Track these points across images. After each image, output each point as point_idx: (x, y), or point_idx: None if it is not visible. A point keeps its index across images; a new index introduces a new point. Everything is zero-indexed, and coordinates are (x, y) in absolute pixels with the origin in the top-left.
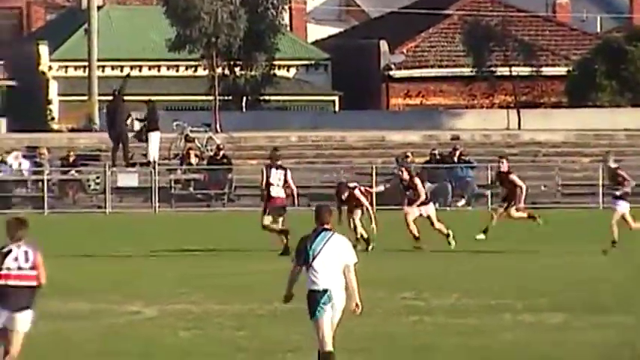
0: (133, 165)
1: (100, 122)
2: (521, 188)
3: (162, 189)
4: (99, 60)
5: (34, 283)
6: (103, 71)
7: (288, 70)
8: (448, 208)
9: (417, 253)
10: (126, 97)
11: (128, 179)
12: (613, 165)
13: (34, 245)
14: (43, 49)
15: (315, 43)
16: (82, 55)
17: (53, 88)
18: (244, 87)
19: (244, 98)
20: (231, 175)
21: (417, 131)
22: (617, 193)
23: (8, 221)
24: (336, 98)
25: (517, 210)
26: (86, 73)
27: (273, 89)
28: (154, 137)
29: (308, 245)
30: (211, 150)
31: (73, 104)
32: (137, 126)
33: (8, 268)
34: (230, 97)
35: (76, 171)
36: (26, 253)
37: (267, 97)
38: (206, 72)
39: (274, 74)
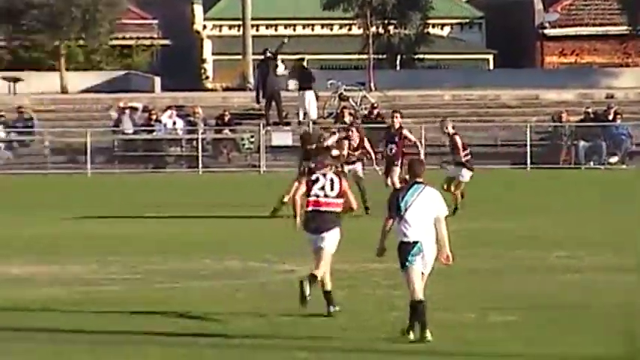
0: (287, 124)
1: (254, 81)
2: None
3: None
4: (253, 19)
5: (339, 210)
6: (257, 30)
7: (442, 29)
8: (602, 167)
9: (570, 213)
10: (281, 56)
11: (282, 138)
12: (451, 131)
13: (340, 174)
14: (198, 9)
15: (470, 1)
16: (236, 14)
17: (207, 48)
18: (398, 45)
19: (398, 57)
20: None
21: (571, 90)
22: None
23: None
24: (491, 56)
25: None
26: (240, 32)
27: (427, 48)
28: (309, 96)
29: (400, 198)
30: (365, 108)
31: (227, 63)
32: (292, 85)
33: (316, 195)
34: (384, 56)
35: (230, 130)
36: (332, 181)
37: (420, 56)
38: (360, 30)
39: (428, 32)
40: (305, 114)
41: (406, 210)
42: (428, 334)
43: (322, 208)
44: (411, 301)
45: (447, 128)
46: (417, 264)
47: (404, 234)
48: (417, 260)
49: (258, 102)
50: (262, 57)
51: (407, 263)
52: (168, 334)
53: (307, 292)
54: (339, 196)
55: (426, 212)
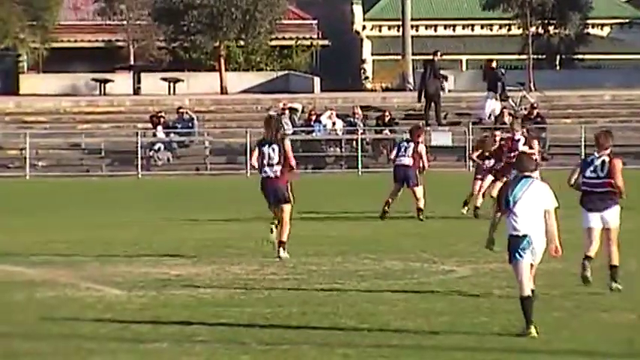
0: (444, 124)
1: (413, 82)
2: None
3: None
4: (412, 19)
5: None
6: (416, 30)
7: (602, 29)
8: None
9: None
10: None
11: (442, 138)
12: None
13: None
14: (357, 9)
15: (630, 0)
16: (395, 14)
17: (367, 48)
18: (558, 46)
19: (558, 57)
20: (545, 134)
21: None
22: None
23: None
24: None
25: None
26: (400, 33)
27: (586, 48)
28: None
29: (509, 191)
30: (525, 109)
31: (386, 63)
32: (447, 86)
33: (589, 177)
34: (543, 56)
35: (390, 130)
36: (603, 163)
37: (580, 56)
38: (520, 31)
39: (588, 33)
40: (490, 115)
41: (515, 203)
42: (532, 331)
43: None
44: (520, 297)
45: None
46: (527, 257)
47: (513, 227)
48: (527, 254)
49: (419, 101)
50: (430, 57)
51: (516, 257)
52: (326, 335)
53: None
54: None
55: (534, 205)
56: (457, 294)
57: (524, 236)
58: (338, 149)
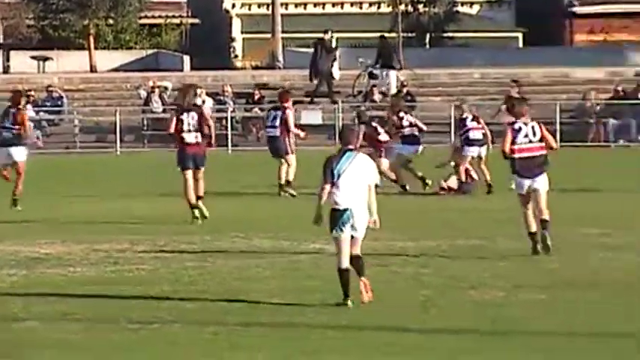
0: (336, 102)
1: (283, 60)
2: None
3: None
4: None
5: (544, 152)
6: (286, 9)
7: (471, 7)
8: (632, 145)
9: (601, 191)
10: (309, 35)
11: (312, 116)
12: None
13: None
14: None
15: None
16: None
17: (236, 26)
18: (427, 24)
19: (427, 35)
20: (415, 112)
21: (600, 67)
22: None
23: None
24: (520, 35)
25: None
26: (269, 11)
27: (456, 26)
28: (391, 74)
29: (334, 165)
30: (395, 87)
31: (256, 42)
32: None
33: (520, 144)
34: (413, 34)
35: (260, 108)
36: (533, 127)
37: (450, 34)
38: (389, 9)
39: (457, 11)
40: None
41: (339, 177)
42: (349, 302)
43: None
44: (338, 268)
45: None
46: (347, 231)
47: (335, 201)
48: (347, 228)
49: (311, 80)
50: (321, 36)
51: (336, 231)
52: (196, 314)
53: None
54: None
55: (358, 179)
56: (328, 272)
57: (346, 210)
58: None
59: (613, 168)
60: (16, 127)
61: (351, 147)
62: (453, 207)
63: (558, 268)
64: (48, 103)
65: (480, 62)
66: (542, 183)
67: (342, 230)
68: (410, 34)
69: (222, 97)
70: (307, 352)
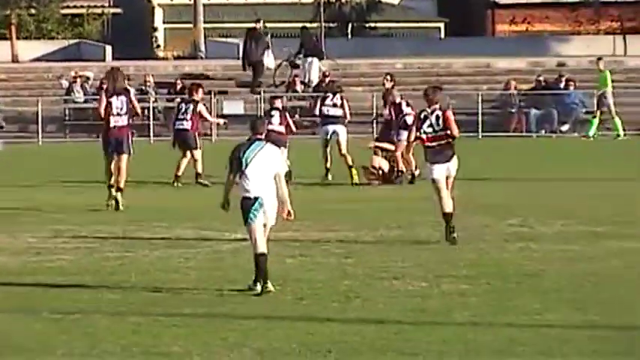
0: (258, 93)
1: (205, 50)
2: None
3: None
4: None
5: (449, 140)
6: None
7: None
8: (554, 135)
9: (521, 181)
10: (232, 25)
11: (234, 107)
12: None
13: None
14: None
15: None
16: None
17: (158, 16)
18: (349, 14)
19: (349, 25)
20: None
21: (522, 58)
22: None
23: None
24: (442, 25)
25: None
26: (191, 1)
27: (378, 16)
28: (314, 62)
29: (241, 153)
30: (317, 76)
31: (178, 32)
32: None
33: (425, 132)
34: (335, 24)
35: (182, 99)
36: (437, 116)
37: (372, 24)
38: None
39: (379, 1)
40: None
41: (247, 166)
42: (269, 286)
43: None
44: (254, 254)
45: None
46: (259, 219)
47: (245, 189)
48: (259, 215)
49: (244, 69)
50: (252, 26)
51: (249, 219)
52: (118, 304)
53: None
54: None
55: (266, 168)
56: (249, 263)
57: (256, 198)
58: None
59: (534, 158)
60: None
61: (259, 136)
62: (373, 196)
63: (477, 258)
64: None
65: (403, 52)
66: (451, 169)
67: (253, 218)
68: (332, 24)
69: (144, 87)
70: (229, 342)
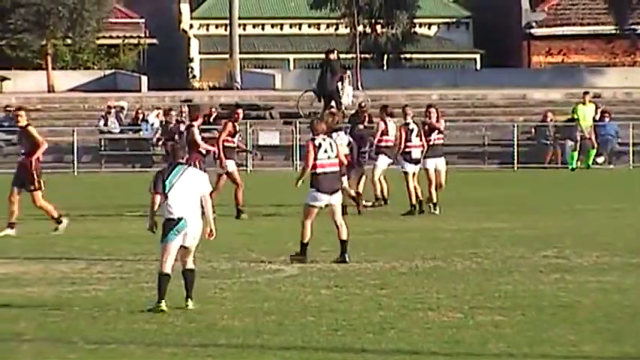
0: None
1: (241, 80)
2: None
3: (303, 147)
4: (240, 18)
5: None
6: (244, 29)
7: (429, 28)
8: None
9: (557, 212)
10: (267, 56)
11: (269, 137)
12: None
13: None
14: (184, 7)
15: (457, 0)
16: (222, 13)
17: (194, 46)
18: (385, 45)
19: (385, 56)
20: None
21: (558, 89)
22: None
23: None
24: (478, 56)
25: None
26: (227, 32)
27: (414, 47)
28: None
29: (165, 177)
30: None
31: (214, 62)
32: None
33: (321, 159)
34: (371, 55)
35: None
36: (331, 144)
37: (407, 55)
38: (347, 30)
39: (415, 32)
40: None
41: (170, 189)
42: (162, 305)
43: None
44: (159, 273)
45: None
46: (177, 240)
47: (168, 211)
48: (178, 236)
49: (319, 101)
50: (325, 56)
51: (167, 238)
52: (153, 335)
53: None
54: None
55: (190, 190)
56: (285, 293)
57: (180, 219)
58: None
59: (570, 189)
60: None
61: (180, 161)
62: (408, 227)
63: (512, 289)
64: (6, 124)
65: (439, 83)
66: (339, 198)
67: (173, 237)
68: (368, 56)
69: (179, 118)
70: None
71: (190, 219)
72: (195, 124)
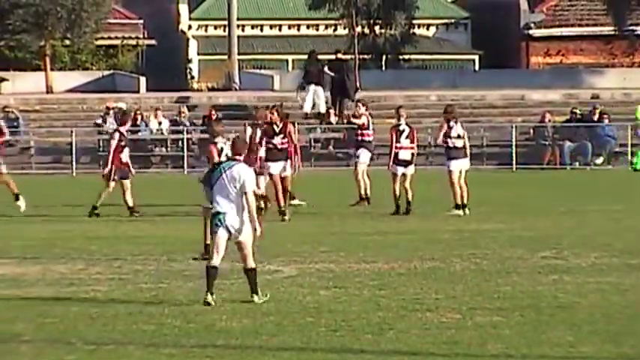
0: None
1: (240, 81)
2: None
3: (302, 148)
4: (238, 19)
5: None
6: (242, 30)
7: (427, 29)
8: (588, 167)
9: (555, 213)
10: (265, 57)
11: None
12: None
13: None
14: (183, 8)
15: (455, 1)
16: (221, 14)
17: (193, 47)
18: (384, 46)
19: (384, 57)
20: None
21: (556, 90)
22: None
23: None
24: (476, 57)
25: None
26: (226, 32)
27: (412, 48)
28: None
29: (213, 172)
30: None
31: (212, 63)
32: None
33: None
34: (369, 56)
35: None
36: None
37: (406, 56)
38: (346, 31)
39: (414, 33)
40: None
41: (216, 182)
42: (209, 297)
43: None
44: (206, 264)
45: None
46: (221, 232)
47: (212, 204)
48: (221, 228)
49: (334, 104)
50: (334, 57)
51: (211, 230)
52: (152, 335)
53: None
54: None
55: (232, 186)
56: (283, 294)
57: (219, 213)
58: (164, 149)
59: (568, 190)
60: None
61: (237, 157)
62: (406, 228)
63: (511, 290)
64: (3, 124)
65: (437, 84)
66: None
67: (217, 228)
68: (366, 56)
69: (178, 119)
70: None
71: (230, 213)
72: (123, 129)
